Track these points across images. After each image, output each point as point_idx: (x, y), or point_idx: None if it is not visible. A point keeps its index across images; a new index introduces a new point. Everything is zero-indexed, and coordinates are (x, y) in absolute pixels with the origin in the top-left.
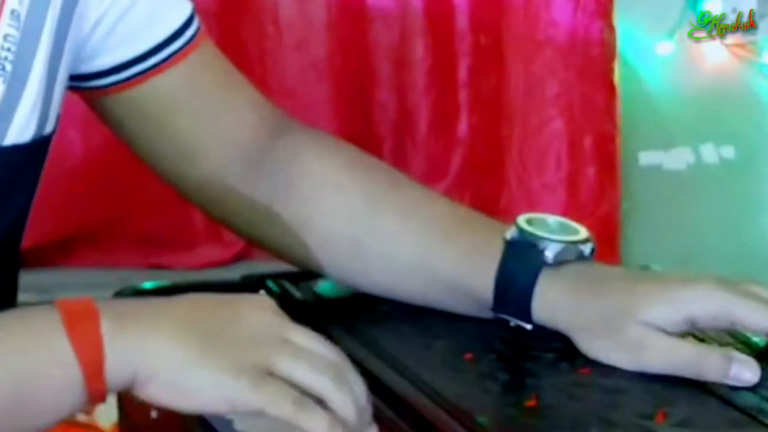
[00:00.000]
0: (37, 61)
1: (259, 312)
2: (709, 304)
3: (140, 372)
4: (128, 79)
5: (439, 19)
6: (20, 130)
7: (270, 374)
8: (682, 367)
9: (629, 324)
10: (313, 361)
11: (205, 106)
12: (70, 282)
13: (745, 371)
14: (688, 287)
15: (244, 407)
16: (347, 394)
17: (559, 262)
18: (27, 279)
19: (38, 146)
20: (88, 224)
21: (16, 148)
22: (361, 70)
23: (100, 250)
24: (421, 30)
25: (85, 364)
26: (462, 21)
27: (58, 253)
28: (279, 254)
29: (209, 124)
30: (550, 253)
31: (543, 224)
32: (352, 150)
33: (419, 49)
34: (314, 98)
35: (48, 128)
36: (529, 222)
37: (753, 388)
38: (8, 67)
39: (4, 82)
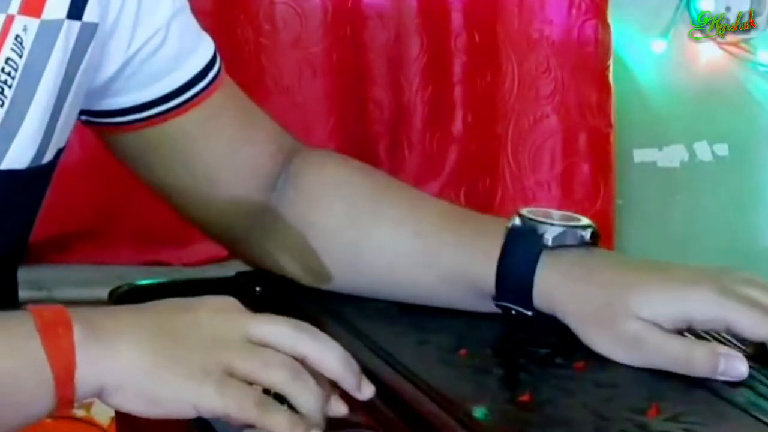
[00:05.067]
0: (40, 91)
1: (222, 313)
2: (707, 309)
3: (109, 382)
4: (149, 118)
5: (433, 17)
6: (17, 157)
7: (231, 375)
8: (671, 363)
9: (627, 319)
10: (273, 359)
11: (225, 143)
12: (67, 278)
13: (733, 367)
14: (688, 289)
15: (210, 412)
16: (305, 389)
17: (559, 245)
18: (24, 276)
19: (35, 174)
20: (84, 221)
21: (12, 174)
22: (356, 68)
23: (97, 247)
24: (415, 28)
25: (57, 370)
26: (457, 19)
27: (55, 249)
28: (279, 268)
29: (229, 160)
30: (549, 236)
31: (546, 214)
32: (354, 161)
33: (414, 47)
34: (310, 96)
35: (47, 158)
36: (531, 212)
37: (746, 384)
38: (7, 91)
39: (2, 105)
